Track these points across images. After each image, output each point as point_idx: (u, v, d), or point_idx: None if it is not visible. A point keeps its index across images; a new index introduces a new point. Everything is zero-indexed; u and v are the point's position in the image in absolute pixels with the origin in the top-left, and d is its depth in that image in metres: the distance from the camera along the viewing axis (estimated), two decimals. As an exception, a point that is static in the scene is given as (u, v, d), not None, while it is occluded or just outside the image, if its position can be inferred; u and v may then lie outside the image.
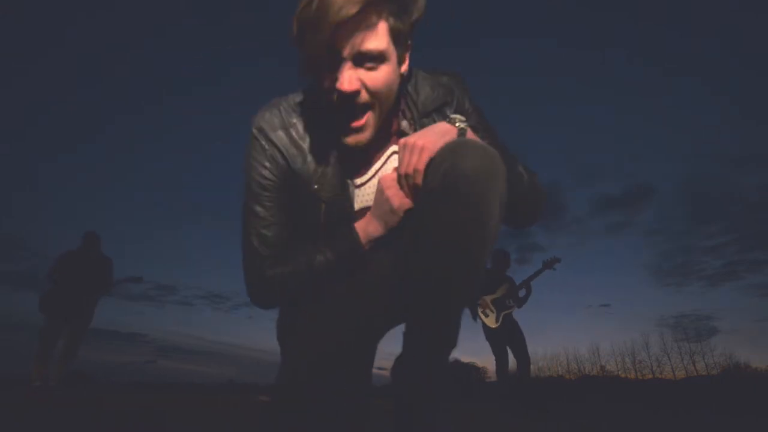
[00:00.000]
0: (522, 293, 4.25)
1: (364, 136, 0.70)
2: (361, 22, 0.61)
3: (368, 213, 0.73)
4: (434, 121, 0.76)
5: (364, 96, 0.66)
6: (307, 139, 0.75)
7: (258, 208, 0.74)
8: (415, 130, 0.75)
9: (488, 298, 4.11)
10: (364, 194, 0.77)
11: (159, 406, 2.82)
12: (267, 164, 0.74)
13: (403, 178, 0.66)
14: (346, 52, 0.62)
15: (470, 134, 0.69)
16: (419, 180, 0.64)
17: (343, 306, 0.74)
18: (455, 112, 0.78)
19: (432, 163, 0.61)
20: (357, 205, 0.76)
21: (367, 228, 0.72)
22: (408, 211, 0.69)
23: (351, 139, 0.70)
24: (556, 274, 4.39)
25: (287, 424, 0.69)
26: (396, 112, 0.77)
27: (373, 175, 0.77)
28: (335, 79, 0.64)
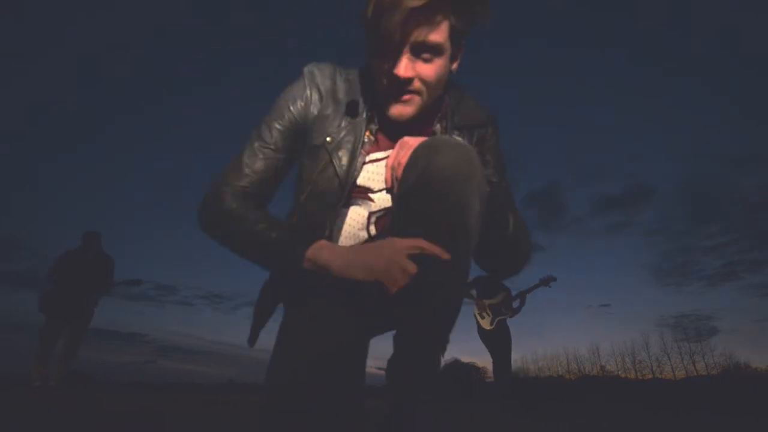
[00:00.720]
0: (516, 304, 4.47)
1: (408, 110, 0.73)
2: (427, 15, 0.65)
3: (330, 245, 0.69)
4: (462, 137, 0.80)
5: (416, 84, 0.71)
6: (347, 100, 0.78)
7: (266, 132, 0.77)
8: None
9: (487, 302, 4.34)
10: (368, 171, 0.78)
11: (159, 406, 2.82)
12: (299, 102, 0.78)
13: (389, 170, 0.73)
14: (409, 40, 0.66)
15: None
16: (399, 173, 0.68)
17: (339, 305, 0.73)
18: (480, 137, 0.83)
19: (408, 160, 0.64)
20: (359, 180, 0.77)
21: (319, 253, 0.66)
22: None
23: (395, 110, 0.74)
24: (557, 274, 4.61)
25: (288, 425, 0.69)
26: (436, 113, 0.81)
27: (386, 157, 0.78)
28: (393, 64, 0.68)
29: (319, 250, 0.67)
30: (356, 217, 0.78)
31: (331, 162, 0.75)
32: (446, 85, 0.78)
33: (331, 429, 0.68)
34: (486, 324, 4.30)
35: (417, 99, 0.73)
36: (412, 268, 0.58)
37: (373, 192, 0.78)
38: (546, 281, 4.58)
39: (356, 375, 0.75)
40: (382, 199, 0.78)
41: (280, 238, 0.70)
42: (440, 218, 0.58)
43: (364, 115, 0.78)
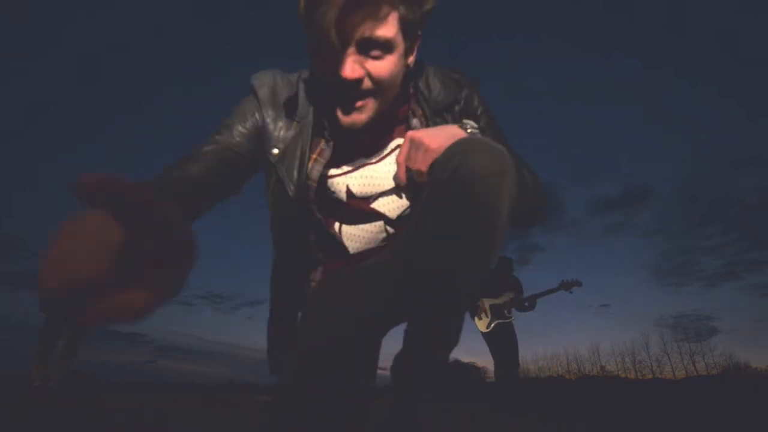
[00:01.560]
0: (528, 305, 4.01)
1: (361, 117, 0.66)
2: (371, 7, 0.59)
3: None
4: (446, 121, 0.74)
5: (366, 84, 0.64)
6: (290, 107, 0.72)
7: (212, 137, 0.70)
8: (426, 122, 0.75)
9: (487, 302, 3.92)
10: (336, 183, 0.73)
11: (159, 406, 2.82)
12: (244, 114, 0.72)
13: (402, 167, 0.66)
14: (352, 37, 0.60)
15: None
16: (422, 179, 0.63)
17: (343, 302, 0.73)
18: (464, 109, 0.77)
19: (439, 159, 0.59)
20: (352, 186, 0.73)
21: None
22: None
23: (348, 119, 0.66)
24: (557, 275, 4.32)
25: (288, 424, 0.69)
26: (400, 107, 0.75)
27: (361, 166, 0.74)
28: (338, 64, 0.61)
29: None
30: (370, 233, 0.76)
31: (279, 178, 0.69)
32: (405, 77, 0.71)
33: (332, 429, 0.68)
34: (482, 326, 3.86)
35: (371, 103, 0.66)
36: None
37: (371, 200, 0.75)
38: (567, 285, 3.91)
39: (362, 373, 0.73)
40: (385, 205, 0.75)
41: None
42: (469, 218, 0.55)
43: (310, 117, 0.72)
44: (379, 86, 0.64)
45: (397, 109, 0.75)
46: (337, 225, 0.76)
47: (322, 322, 0.72)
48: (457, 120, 0.74)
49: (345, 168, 0.74)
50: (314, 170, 0.71)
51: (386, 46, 0.62)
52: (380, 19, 0.60)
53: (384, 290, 0.72)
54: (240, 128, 0.71)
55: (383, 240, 0.77)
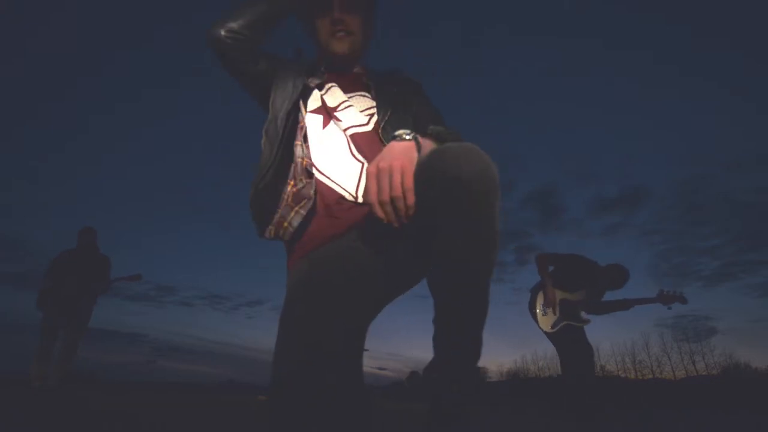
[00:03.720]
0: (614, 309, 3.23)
1: (346, 44, 0.97)
2: None
3: None
4: (389, 84, 1.00)
5: (347, 26, 0.96)
6: (294, 57, 1.04)
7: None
8: (374, 87, 0.97)
9: (560, 295, 3.09)
10: (315, 96, 0.95)
11: (159, 406, 2.82)
12: (274, 55, 1.00)
13: (387, 205, 0.61)
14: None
15: (422, 141, 0.70)
16: (411, 199, 0.60)
17: (329, 294, 0.73)
18: (404, 81, 1.03)
19: (422, 172, 0.59)
20: (326, 97, 0.94)
21: None
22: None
23: (337, 45, 0.96)
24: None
25: (286, 423, 0.69)
26: (360, 71, 1.04)
27: (348, 99, 0.94)
28: (331, 12, 0.94)
29: None
30: (336, 136, 0.90)
31: (279, 87, 0.93)
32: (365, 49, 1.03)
33: (332, 428, 0.68)
34: (545, 324, 3.07)
35: (348, 39, 0.97)
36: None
37: (336, 110, 0.91)
38: (667, 299, 3.09)
39: (350, 365, 0.73)
40: (348, 117, 0.90)
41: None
42: (477, 231, 0.57)
43: (309, 62, 1.00)
44: (354, 29, 0.97)
45: (356, 72, 1.04)
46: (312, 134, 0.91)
47: (308, 313, 0.72)
48: (398, 85, 1.00)
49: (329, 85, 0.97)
50: (304, 82, 0.94)
51: (362, 6, 0.97)
52: None
53: (367, 280, 0.74)
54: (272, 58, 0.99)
55: (346, 159, 0.87)
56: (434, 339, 0.70)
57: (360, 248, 0.76)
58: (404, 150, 0.64)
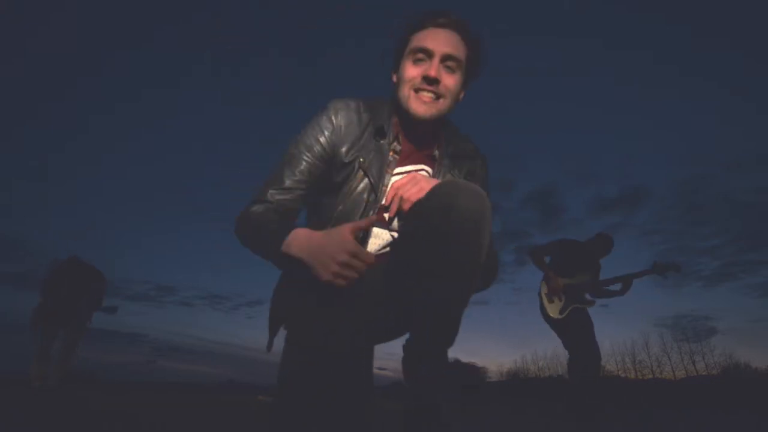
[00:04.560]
0: (615, 287, 3.24)
1: (430, 110, 0.86)
2: (455, 36, 0.87)
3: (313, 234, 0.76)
4: (452, 164, 0.95)
5: (440, 88, 0.86)
6: (373, 125, 0.90)
7: (293, 162, 0.87)
8: (440, 163, 0.94)
9: (563, 281, 3.17)
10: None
11: (159, 406, 2.82)
12: (326, 133, 0.88)
13: (397, 197, 0.83)
14: (439, 51, 0.85)
15: None
16: (406, 207, 0.80)
17: (340, 316, 0.76)
18: (469, 173, 0.97)
19: (428, 198, 0.70)
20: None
21: (293, 242, 0.75)
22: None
23: (420, 108, 0.86)
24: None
25: (289, 425, 0.69)
26: (436, 141, 0.95)
27: (405, 173, 0.91)
28: (427, 68, 0.85)
29: (294, 239, 0.74)
30: (377, 239, 0.87)
31: (366, 177, 0.87)
32: (447, 118, 0.94)
33: (333, 429, 0.69)
34: (554, 310, 3.15)
35: (437, 104, 0.87)
36: (349, 253, 0.68)
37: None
38: (662, 269, 3.06)
39: (364, 379, 0.78)
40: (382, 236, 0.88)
41: (272, 227, 0.79)
42: (462, 259, 0.65)
43: (390, 137, 0.90)
44: (446, 92, 0.86)
45: (435, 139, 0.95)
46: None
47: (321, 332, 0.75)
48: (463, 174, 0.95)
49: (400, 170, 0.92)
50: (387, 178, 0.89)
51: (458, 63, 0.87)
52: (457, 46, 0.87)
53: (375, 304, 0.79)
54: (316, 152, 0.88)
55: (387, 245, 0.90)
56: (408, 340, 0.74)
57: (371, 274, 0.81)
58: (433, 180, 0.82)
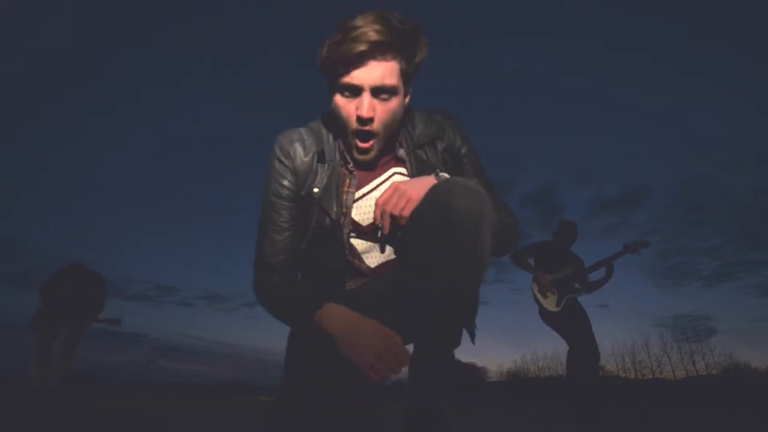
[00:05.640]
0: (598, 275, 3.48)
1: (369, 156, 0.84)
2: (381, 61, 0.76)
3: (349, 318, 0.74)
4: (426, 153, 0.90)
5: (375, 124, 0.79)
6: (317, 153, 0.87)
7: (272, 215, 0.86)
8: (410, 159, 0.89)
9: (550, 277, 3.42)
10: (360, 206, 0.87)
11: (159, 406, 2.82)
12: (285, 176, 0.86)
13: (386, 214, 0.76)
14: (368, 85, 0.76)
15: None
16: (402, 222, 0.74)
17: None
18: (447, 146, 0.92)
19: (425, 200, 0.70)
20: (354, 215, 0.86)
21: (324, 320, 0.74)
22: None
23: (361, 156, 0.84)
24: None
25: (290, 426, 0.70)
26: (396, 140, 0.90)
27: (374, 189, 0.88)
28: (356, 106, 0.78)
29: (325, 317, 0.74)
30: (354, 249, 0.86)
31: (322, 209, 0.84)
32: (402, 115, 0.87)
33: (334, 429, 0.69)
34: (550, 304, 3.36)
35: (375, 143, 0.83)
36: (399, 360, 0.66)
37: (362, 227, 0.86)
38: (633, 248, 3.36)
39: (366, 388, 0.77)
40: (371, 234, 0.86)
41: (294, 300, 0.80)
42: (462, 260, 0.65)
43: (337, 158, 0.87)
44: (383, 125, 0.80)
45: (394, 143, 0.90)
46: (359, 243, 0.87)
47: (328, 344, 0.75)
48: (438, 154, 0.90)
49: (358, 193, 0.88)
50: (348, 199, 0.86)
51: (392, 92, 0.78)
52: (388, 71, 0.77)
53: (384, 312, 0.78)
54: (285, 196, 0.87)
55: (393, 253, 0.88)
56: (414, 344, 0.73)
57: (380, 283, 0.83)
58: (424, 183, 0.75)
